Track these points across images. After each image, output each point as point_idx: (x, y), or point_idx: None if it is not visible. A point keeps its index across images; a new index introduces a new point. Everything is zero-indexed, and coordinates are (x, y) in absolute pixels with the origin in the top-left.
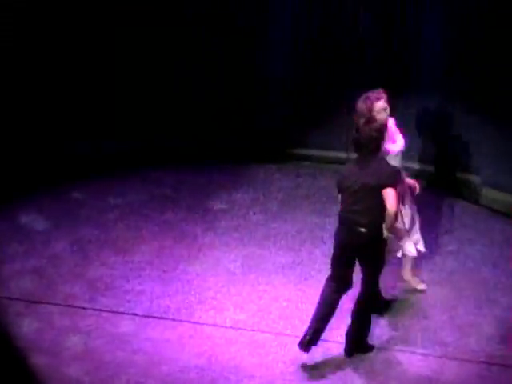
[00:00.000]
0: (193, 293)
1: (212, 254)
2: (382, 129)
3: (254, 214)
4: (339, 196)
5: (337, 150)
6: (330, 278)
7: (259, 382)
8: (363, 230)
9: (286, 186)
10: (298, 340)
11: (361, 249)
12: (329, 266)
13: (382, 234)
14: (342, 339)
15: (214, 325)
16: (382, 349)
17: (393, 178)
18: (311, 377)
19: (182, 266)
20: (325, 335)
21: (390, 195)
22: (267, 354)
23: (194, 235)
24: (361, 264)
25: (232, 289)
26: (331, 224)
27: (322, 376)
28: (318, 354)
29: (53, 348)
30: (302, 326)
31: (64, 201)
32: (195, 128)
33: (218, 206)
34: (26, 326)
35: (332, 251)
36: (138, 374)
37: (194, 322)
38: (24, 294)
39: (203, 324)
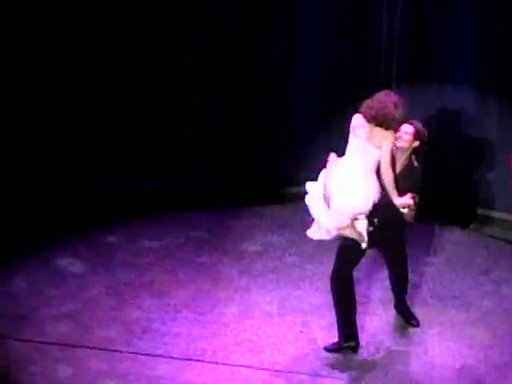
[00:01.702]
0: (229, 335)
1: (248, 296)
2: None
3: (290, 255)
4: None
5: None
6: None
7: None
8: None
9: None
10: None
11: None
12: (365, 308)
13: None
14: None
15: (251, 367)
16: None
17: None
18: None
19: (219, 308)
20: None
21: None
22: None
23: (230, 278)
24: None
25: (268, 330)
26: (367, 265)
27: None
28: None
29: None
30: (339, 367)
31: (99, 244)
32: (228, 170)
33: (253, 248)
34: (62, 371)
35: None
36: None
37: (231, 365)
38: (60, 338)
39: (240, 366)
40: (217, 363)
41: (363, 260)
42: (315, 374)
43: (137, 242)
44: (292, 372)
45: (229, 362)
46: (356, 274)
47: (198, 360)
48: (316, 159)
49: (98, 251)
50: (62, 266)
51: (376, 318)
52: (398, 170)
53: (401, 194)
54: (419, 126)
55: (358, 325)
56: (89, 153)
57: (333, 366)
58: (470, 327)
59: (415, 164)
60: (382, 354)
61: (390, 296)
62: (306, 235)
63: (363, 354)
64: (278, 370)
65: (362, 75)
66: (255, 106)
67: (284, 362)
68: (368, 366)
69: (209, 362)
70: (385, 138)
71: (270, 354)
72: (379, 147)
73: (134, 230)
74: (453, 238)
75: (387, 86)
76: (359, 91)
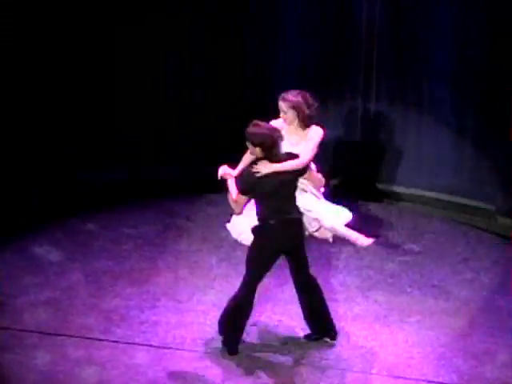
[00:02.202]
0: (209, 323)
1: (227, 284)
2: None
3: None
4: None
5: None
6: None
7: None
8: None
9: None
10: (309, 369)
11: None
12: (344, 295)
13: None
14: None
15: (232, 358)
16: (399, 378)
17: None
18: None
19: (198, 296)
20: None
21: None
22: None
23: (210, 265)
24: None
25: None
26: (346, 253)
27: None
28: None
29: (67, 380)
30: (318, 355)
31: (77, 232)
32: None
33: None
34: (40, 358)
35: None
36: None
37: (210, 353)
38: (38, 325)
39: (219, 355)
40: (196, 351)
41: (343, 248)
42: (295, 362)
43: (115, 230)
44: (271, 360)
45: (208, 351)
46: (335, 262)
47: (177, 348)
48: None
49: (77, 239)
50: (39, 254)
51: (355, 306)
52: None
53: None
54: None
55: (333, 313)
56: (69, 142)
57: (311, 354)
58: (449, 316)
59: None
60: (361, 342)
61: (369, 284)
62: None
63: (343, 341)
64: (258, 358)
65: (343, 64)
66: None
67: (264, 351)
68: (347, 355)
69: (188, 350)
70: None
71: (249, 342)
72: None
73: (112, 217)
74: (432, 227)
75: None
76: (339, 80)
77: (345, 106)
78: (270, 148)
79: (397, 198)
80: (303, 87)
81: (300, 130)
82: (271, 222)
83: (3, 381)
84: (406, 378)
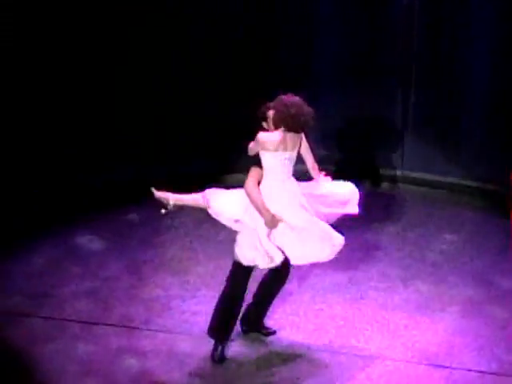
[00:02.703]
0: None
1: None
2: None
3: None
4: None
5: (390, 167)
6: None
7: None
8: None
9: None
10: (350, 358)
11: None
12: (385, 285)
13: None
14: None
15: (271, 345)
16: (439, 366)
17: None
18: None
19: None
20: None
21: None
22: (324, 374)
23: None
24: None
25: (288, 308)
26: (387, 242)
27: None
28: (374, 374)
29: (109, 370)
30: (359, 344)
31: (119, 222)
32: None
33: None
34: (82, 348)
35: None
36: None
37: (250, 342)
38: (80, 315)
39: (260, 344)
40: (235, 340)
41: (383, 237)
42: (335, 352)
43: (156, 221)
44: (312, 349)
45: (248, 340)
46: (375, 252)
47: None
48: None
49: (118, 229)
50: (81, 244)
51: (396, 296)
52: None
53: None
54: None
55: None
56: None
57: (353, 343)
58: (490, 305)
59: None
60: (401, 331)
61: (410, 273)
62: None
63: (384, 331)
64: (298, 348)
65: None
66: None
67: (304, 340)
68: (387, 344)
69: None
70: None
71: (289, 331)
72: None
73: (153, 208)
74: (470, 216)
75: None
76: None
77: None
78: None
79: (434, 186)
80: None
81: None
82: None
83: (45, 371)
84: (446, 367)
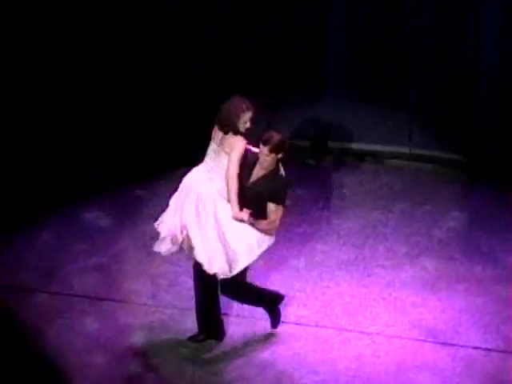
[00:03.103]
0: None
1: (275, 250)
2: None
3: (318, 210)
4: None
5: (399, 144)
6: None
7: (323, 377)
8: None
9: (348, 183)
10: (356, 335)
11: None
12: (392, 262)
13: None
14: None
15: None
16: (446, 344)
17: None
18: (373, 370)
19: None
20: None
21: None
22: (331, 350)
23: None
24: None
25: (295, 285)
26: (394, 220)
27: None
28: (380, 351)
29: (116, 345)
30: (366, 322)
31: (127, 198)
32: None
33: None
34: (90, 324)
35: None
36: (201, 370)
37: (258, 318)
38: (87, 291)
39: (266, 320)
40: (243, 317)
41: (390, 215)
42: (341, 329)
43: (164, 196)
44: (318, 326)
45: (255, 316)
46: (382, 229)
47: (225, 313)
48: None
49: (126, 205)
50: (89, 220)
51: (403, 273)
52: (259, 174)
53: (260, 201)
54: (278, 136)
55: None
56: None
57: (360, 320)
58: (497, 283)
59: (281, 172)
60: (408, 309)
61: (417, 251)
62: (333, 190)
63: (390, 308)
64: (305, 324)
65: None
66: None
67: (311, 316)
68: (395, 321)
69: (235, 316)
70: (232, 145)
71: (296, 307)
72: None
73: (161, 184)
74: (480, 195)
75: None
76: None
77: None
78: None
79: (442, 163)
80: None
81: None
82: None
83: (53, 346)
84: (452, 345)
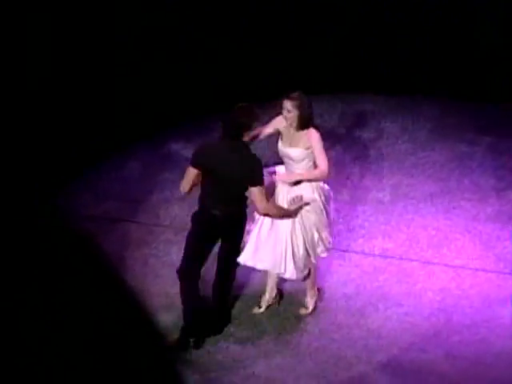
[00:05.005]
0: (341, 221)
1: (360, 182)
2: (253, 116)
3: (403, 142)
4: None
5: None
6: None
7: (407, 310)
8: (218, 212)
9: (434, 115)
10: (441, 268)
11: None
12: (478, 195)
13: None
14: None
15: (363, 253)
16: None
17: (260, 177)
18: (458, 303)
19: (331, 194)
20: None
21: (257, 196)
22: (415, 283)
23: (343, 163)
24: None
25: (380, 217)
26: (480, 152)
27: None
28: (465, 284)
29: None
30: (451, 255)
31: (212, 129)
32: None
33: (366, 135)
34: (175, 253)
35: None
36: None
37: (343, 250)
38: (173, 221)
39: (351, 252)
40: (329, 249)
41: (476, 148)
42: (426, 262)
43: None
44: (403, 259)
45: (341, 248)
46: (468, 162)
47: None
48: None
49: (211, 135)
50: (175, 151)
51: (488, 207)
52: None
53: None
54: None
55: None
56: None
57: (444, 253)
58: None
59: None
60: (494, 242)
61: (503, 185)
62: (419, 122)
63: (476, 241)
64: (390, 257)
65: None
66: None
67: (395, 249)
68: (480, 254)
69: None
70: None
71: (381, 240)
72: None
73: None
74: None
75: None
76: None
77: None
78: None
79: None
80: None
81: (295, 132)
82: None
83: (138, 275)
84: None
